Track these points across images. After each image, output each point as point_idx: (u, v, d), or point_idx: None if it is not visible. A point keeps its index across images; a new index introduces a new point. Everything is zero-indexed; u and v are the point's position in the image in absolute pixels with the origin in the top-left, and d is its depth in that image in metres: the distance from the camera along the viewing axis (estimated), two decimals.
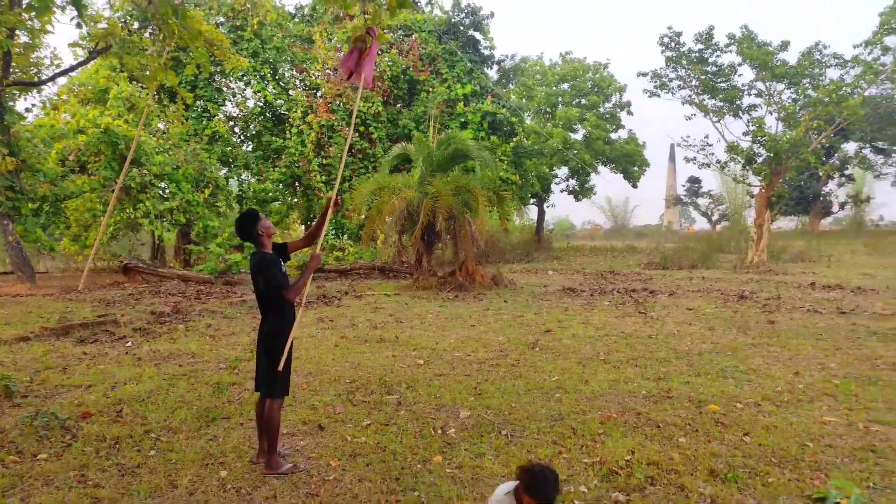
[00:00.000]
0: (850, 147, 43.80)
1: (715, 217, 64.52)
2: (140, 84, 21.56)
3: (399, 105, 25.86)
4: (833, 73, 21.93)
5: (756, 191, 22.66)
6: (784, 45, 21.67)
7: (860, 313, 10.05)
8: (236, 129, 26.40)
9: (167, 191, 19.34)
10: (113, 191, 17.54)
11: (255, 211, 3.99)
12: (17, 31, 13.57)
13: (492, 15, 27.04)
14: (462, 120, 24.50)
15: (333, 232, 23.45)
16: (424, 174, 15.03)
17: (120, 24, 19.33)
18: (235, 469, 3.88)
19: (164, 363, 6.84)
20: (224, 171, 23.91)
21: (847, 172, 49.62)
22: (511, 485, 2.79)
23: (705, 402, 5.23)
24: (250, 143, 26.66)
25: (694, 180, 65.72)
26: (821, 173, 22.91)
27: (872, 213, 61.14)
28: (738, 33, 21.97)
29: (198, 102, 23.42)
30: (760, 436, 4.39)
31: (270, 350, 3.77)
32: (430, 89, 25.02)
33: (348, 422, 4.79)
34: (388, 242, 16.82)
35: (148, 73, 7.67)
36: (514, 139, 25.08)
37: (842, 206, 53.82)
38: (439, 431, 4.55)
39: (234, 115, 26.29)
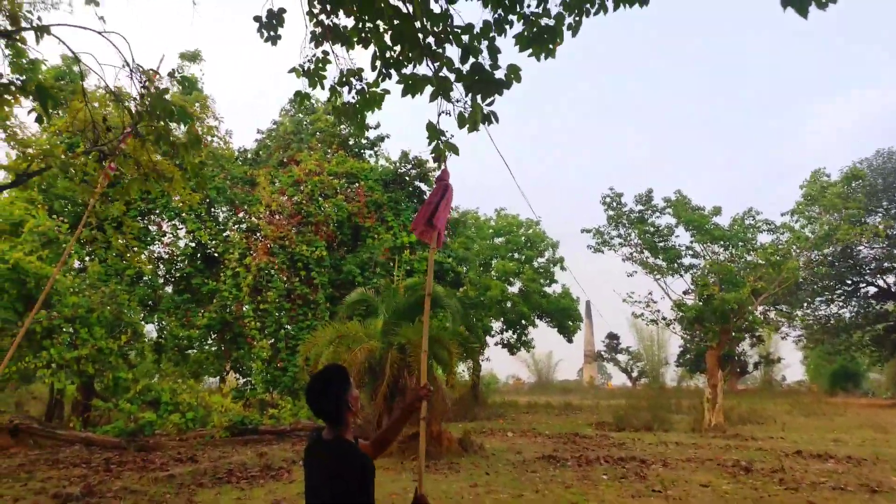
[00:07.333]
0: (758, 309, 46.83)
1: (634, 373, 65.30)
2: (60, 218, 19.63)
3: (343, 250, 24.98)
4: (764, 238, 23.31)
5: (687, 347, 22.73)
6: (717, 211, 22.99)
7: (890, 492, 9.21)
8: (159, 271, 24.29)
9: (77, 336, 16.77)
10: (12, 335, 14.93)
11: (343, 369, 2.62)
12: None
13: (437, 168, 27.69)
14: (407, 268, 23.78)
15: (264, 386, 21.06)
16: (388, 322, 13.71)
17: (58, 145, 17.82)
18: None
19: None
20: (143, 315, 21.50)
21: (757, 333, 52.31)
22: None
23: None
24: (172, 285, 24.48)
25: (612, 336, 67.16)
26: (760, 332, 23.42)
27: (778, 373, 64.07)
28: (672, 197, 23.25)
29: (120, 240, 21.43)
30: None
31: None
32: (377, 236, 24.45)
33: None
34: None
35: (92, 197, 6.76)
36: (461, 289, 24.47)
37: (755, 366, 55.78)
38: None
39: (160, 255, 24.33)
